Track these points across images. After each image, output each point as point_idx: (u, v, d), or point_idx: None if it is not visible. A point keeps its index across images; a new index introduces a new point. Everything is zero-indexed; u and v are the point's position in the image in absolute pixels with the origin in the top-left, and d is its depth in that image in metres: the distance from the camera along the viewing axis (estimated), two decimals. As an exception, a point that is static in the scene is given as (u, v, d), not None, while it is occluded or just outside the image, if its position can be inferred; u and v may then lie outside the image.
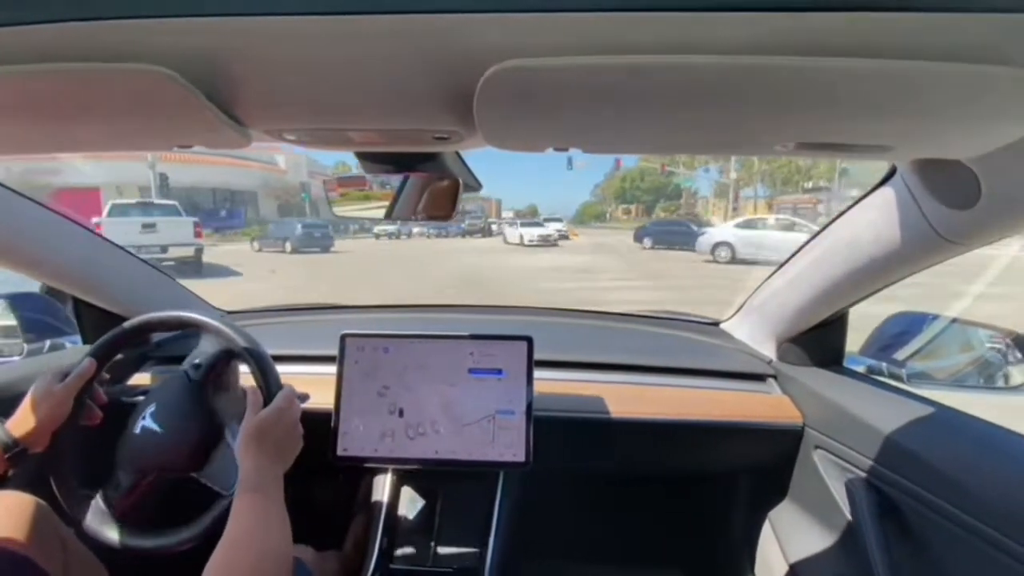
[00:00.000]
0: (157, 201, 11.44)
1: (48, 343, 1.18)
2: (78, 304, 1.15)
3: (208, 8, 0.36)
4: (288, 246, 14.60)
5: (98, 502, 0.83)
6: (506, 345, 0.98)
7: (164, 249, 9.56)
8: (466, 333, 0.99)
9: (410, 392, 0.97)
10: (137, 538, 0.81)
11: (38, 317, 1.01)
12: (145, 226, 9.65)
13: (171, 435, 0.82)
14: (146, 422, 0.83)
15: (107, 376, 0.91)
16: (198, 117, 0.48)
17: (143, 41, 0.39)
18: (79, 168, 16.54)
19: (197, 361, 0.88)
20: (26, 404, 0.79)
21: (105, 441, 0.86)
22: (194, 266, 9.91)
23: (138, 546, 0.80)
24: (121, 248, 1.15)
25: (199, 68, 0.42)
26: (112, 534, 0.81)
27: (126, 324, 0.89)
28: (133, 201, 11.08)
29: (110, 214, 9.88)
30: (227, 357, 0.89)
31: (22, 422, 0.78)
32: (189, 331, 0.96)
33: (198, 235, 10.24)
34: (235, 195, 24.80)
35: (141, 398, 0.88)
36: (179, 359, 1.18)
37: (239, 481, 0.67)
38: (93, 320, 1.15)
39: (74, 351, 1.17)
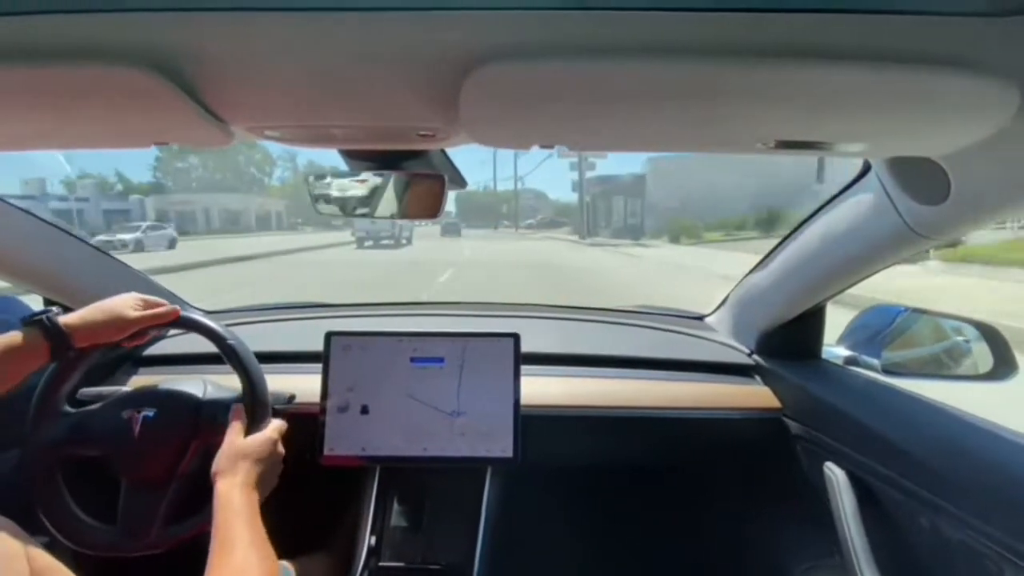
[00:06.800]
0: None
1: None
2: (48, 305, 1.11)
3: (186, 3, 0.35)
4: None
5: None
6: (493, 342, 0.98)
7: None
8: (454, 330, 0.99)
9: (397, 390, 0.96)
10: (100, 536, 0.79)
11: (12, 320, 0.97)
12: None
13: (142, 447, 0.79)
14: (132, 416, 0.80)
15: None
16: (177, 114, 0.47)
17: (118, 36, 0.38)
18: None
19: (227, 406, 0.81)
20: (96, 306, 0.77)
21: None
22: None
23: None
24: (90, 245, 1.12)
25: (177, 64, 0.41)
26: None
27: None
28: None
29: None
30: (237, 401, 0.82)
31: (80, 318, 0.74)
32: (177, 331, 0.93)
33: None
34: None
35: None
36: (153, 360, 1.16)
37: (218, 502, 0.66)
38: None
39: None
